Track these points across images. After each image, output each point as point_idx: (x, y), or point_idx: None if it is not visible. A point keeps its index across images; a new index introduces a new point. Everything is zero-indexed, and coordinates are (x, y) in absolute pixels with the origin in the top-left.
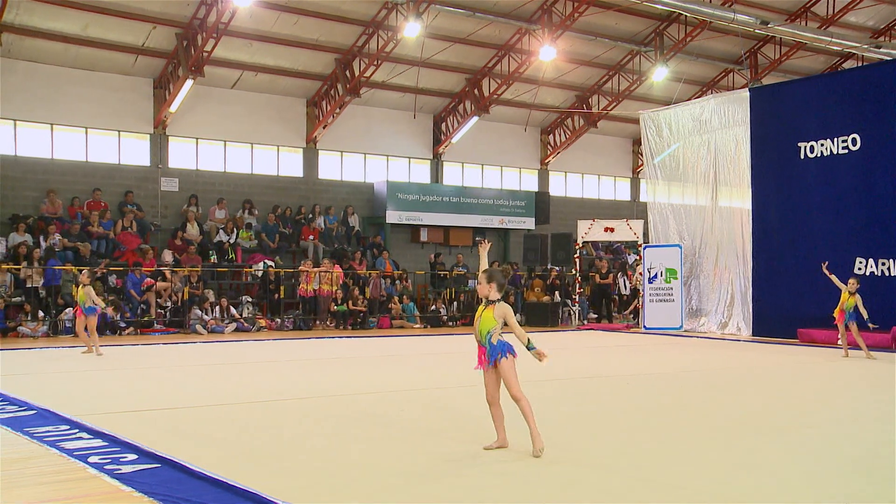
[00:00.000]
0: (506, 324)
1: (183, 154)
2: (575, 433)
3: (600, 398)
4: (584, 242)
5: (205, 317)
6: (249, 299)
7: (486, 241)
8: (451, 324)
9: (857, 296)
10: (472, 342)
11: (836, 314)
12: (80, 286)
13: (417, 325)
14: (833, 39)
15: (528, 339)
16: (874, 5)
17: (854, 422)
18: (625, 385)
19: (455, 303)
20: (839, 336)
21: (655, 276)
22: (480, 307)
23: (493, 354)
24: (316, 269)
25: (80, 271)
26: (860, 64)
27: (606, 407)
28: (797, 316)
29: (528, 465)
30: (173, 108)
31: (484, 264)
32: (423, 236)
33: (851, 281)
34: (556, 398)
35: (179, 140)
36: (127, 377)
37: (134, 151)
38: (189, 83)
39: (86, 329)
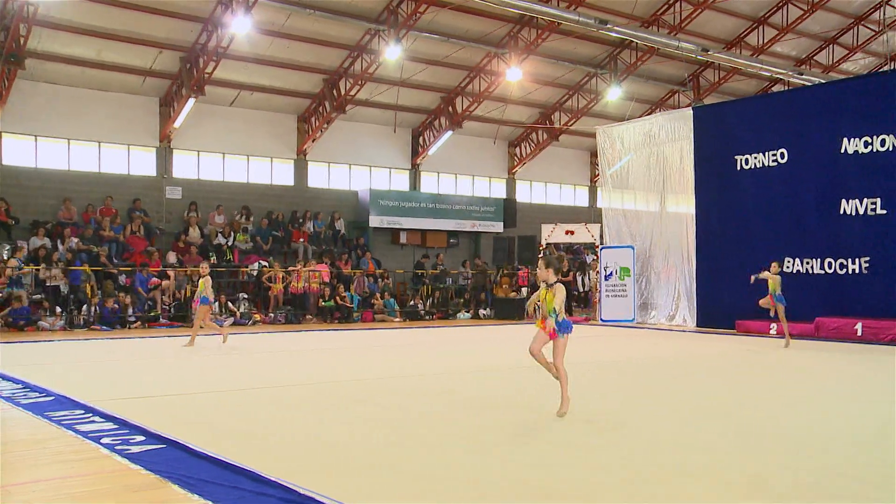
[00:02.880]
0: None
1: (186, 165)
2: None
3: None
4: (547, 244)
5: None
6: (245, 296)
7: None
8: (427, 318)
9: (778, 277)
10: (445, 334)
11: (765, 303)
12: (201, 278)
13: (397, 319)
14: (763, 66)
15: (555, 309)
16: (797, 38)
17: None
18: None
19: (431, 299)
20: (774, 324)
21: (611, 273)
22: (542, 289)
23: (561, 329)
24: (305, 269)
25: (198, 265)
26: (786, 87)
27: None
28: (735, 309)
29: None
30: (177, 123)
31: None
32: (403, 239)
33: (774, 264)
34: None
35: (183, 152)
36: (135, 366)
37: (142, 163)
38: (191, 101)
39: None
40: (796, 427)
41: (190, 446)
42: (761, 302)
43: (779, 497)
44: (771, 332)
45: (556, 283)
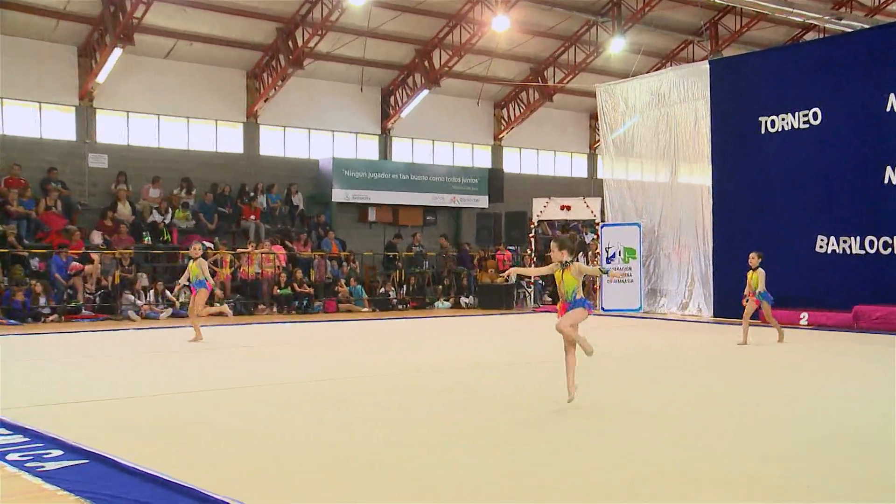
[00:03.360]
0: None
1: (112, 128)
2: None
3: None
4: (539, 221)
5: (138, 302)
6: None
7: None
8: (400, 307)
9: (761, 270)
10: (423, 326)
11: (749, 308)
12: (192, 260)
13: (365, 309)
14: (794, 10)
15: (601, 268)
16: None
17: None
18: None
19: (405, 286)
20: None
21: (613, 255)
22: (558, 272)
23: (574, 305)
24: (257, 251)
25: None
26: (821, 36)
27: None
28: None
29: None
30: (101, 78)
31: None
32: (371, 216)
33: (753, 255)
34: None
35: (108, 113)
36: (52, 367)
37: (57, 125)
38: (118, 52)
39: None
40: (803, 428)
41: (117, 460)
42: (744, 304)
43: (779, 498)
44: (802, 321)
45: (571, 261)
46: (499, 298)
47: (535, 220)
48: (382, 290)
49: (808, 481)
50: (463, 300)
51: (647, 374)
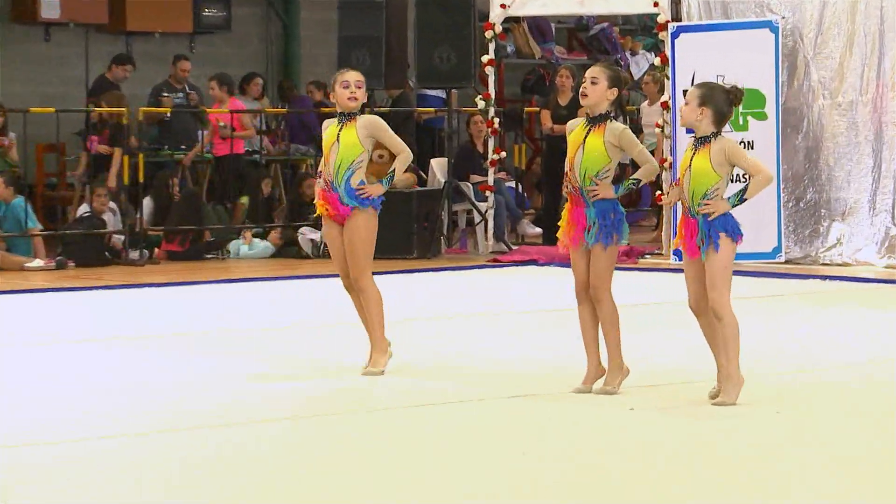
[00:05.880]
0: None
1: None
2: None
3: None
4: (510, 22)
5: None
6: None
7: None
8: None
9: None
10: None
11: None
12: None
13: None
14: None
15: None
16: None
17: None
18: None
19: None
20: None
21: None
22: (578, 129)
23: (604, 231)
24: None
25: None
26: None
27: None
28: None
29: None
30: None
31: None
32: None
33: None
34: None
35: None
36: None
37: None
38: None
39: None
40: None
41: None
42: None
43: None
44: None
45: (609, 118)
46: (404, 232)
47: (496, 21)
48: None
49: None
50: (308, 236)
51: None
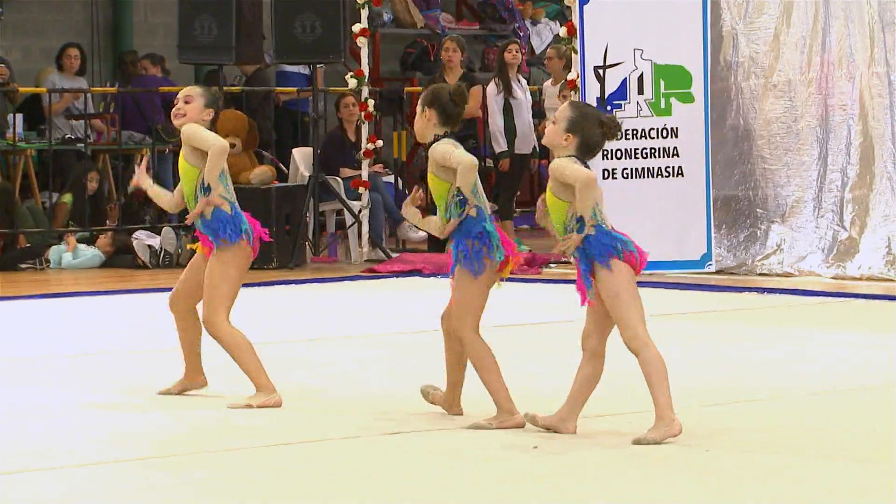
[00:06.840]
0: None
1: None
2: None
3: None
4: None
5: None
6: None
7: None
8: None
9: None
10: None
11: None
12: None
13: None
14: None
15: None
16: None
17: None
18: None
19: None
20: None
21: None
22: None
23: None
24: None
25: None
26: None
27: None
28: None
29: None
30: None
31: None
32: None
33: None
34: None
35: None
36: None
37: None
38: None
39: None
40: None
41: None
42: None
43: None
44: None
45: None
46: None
47: None
48: None
49: None
50: (144, 241)
51: None
